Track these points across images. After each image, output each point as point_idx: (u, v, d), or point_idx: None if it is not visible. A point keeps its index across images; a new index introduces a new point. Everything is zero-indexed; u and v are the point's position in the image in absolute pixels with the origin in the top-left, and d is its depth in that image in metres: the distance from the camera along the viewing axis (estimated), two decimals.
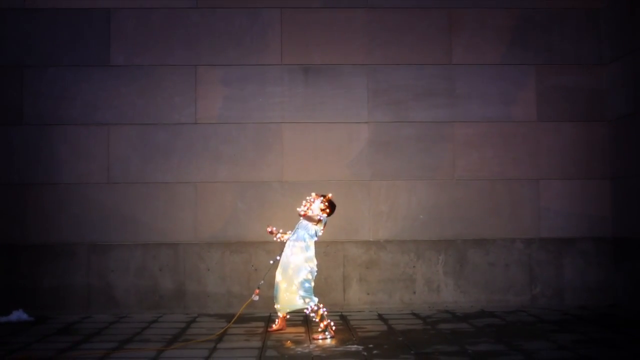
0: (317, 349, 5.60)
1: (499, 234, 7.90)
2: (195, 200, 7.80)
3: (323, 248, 7.73)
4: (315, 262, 6.40)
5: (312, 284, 6.32)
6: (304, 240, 6.36)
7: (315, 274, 6.41)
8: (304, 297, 6.21)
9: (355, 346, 5.71)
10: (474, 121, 7.98)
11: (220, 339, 6.10)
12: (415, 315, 7.37)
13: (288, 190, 7.80)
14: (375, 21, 8.01)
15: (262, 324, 6.89)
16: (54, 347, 5.79)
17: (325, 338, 6.00)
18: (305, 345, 5.79)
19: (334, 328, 6.16)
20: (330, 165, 7.88)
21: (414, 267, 7.83)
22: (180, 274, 7.72)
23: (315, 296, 6.27)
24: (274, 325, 6.52)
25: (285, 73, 7.92)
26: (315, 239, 6.44)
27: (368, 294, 7.77)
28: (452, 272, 7.85)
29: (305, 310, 6.23)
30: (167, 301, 7.69)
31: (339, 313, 7.49)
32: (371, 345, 5.73)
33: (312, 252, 6.39)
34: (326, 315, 6.15)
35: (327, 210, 6.47)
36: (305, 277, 6.26)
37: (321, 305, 6.18)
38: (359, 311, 7.63)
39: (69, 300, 7.63)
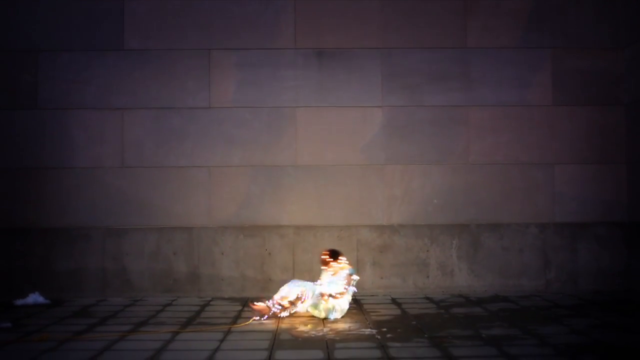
0: (330, 333, 5.62)
1: (513, 218, 7.88)
2: (209, 184, 7.82)
3: (337, 232, 7.75)
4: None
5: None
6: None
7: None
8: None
9: (369, 330, 5.73)
10: (489, 105, 7.94)
11: (234, 322, 6.14)
12: (429, 300, 7.37)
13: (302, 174, 7.80)
14: (390, 4, 7.96)
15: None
16: (71, 329, 5.85)
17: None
18: (319, 328, 5.81)
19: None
20: (343, 150, 7.86)
21: (427, 251, 7.83)
22: (194, 258, 7.76)
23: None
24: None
25: (299, 57, 7.90)
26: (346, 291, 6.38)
27: (382, 278, 7.78)
28: (465, 257, 7.84)
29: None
30: (181, 284, 7.74)
31: (353, 297, 7.49)
32: (385, 329, 5.74)
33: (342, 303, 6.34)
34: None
35: (346, 261, 6.55)
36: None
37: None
38: (373, 295, 7.64)
39: (84, 283, 7.70)
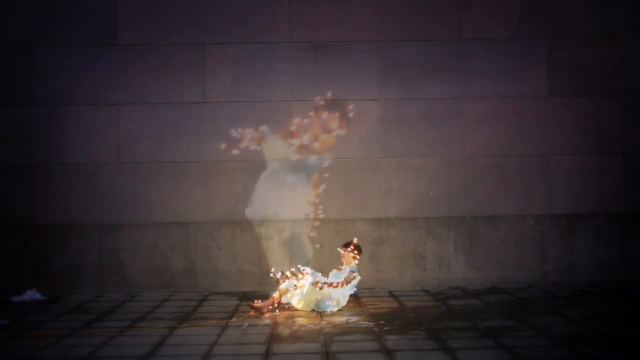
0: (328, 326, 5.63)
1: (510, 210, 7.88)
2: (206, 179, 7.80)
3: (333, 226, 7.75)
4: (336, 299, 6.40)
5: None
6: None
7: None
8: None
9: (367, 322, 5.74)
10: (484, 97, 7.93)
11: (231, 316, 6.14)
12: (426, 292, 7.38)
13: (298, 168, 7.79)
14: None
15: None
16: (68, 325, 5.85)
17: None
18: (317, 322, 5.82)
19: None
20: (340, 143, 7.85)
21: (424, 244, 7.83)
22: (191, 253, 7.75)
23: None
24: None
25: (294, 51, 7.87)
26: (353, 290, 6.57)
27: (378, 271, 7.78)
28: (462, 249, 7.84)
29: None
30: (178, 280, 7.73)
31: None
32: (382, 322, 5.75)
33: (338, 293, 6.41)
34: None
35: (358, 257, 6.70)
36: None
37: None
38: (370, 288, 7.63)
39: (81, 279, 7.68)
